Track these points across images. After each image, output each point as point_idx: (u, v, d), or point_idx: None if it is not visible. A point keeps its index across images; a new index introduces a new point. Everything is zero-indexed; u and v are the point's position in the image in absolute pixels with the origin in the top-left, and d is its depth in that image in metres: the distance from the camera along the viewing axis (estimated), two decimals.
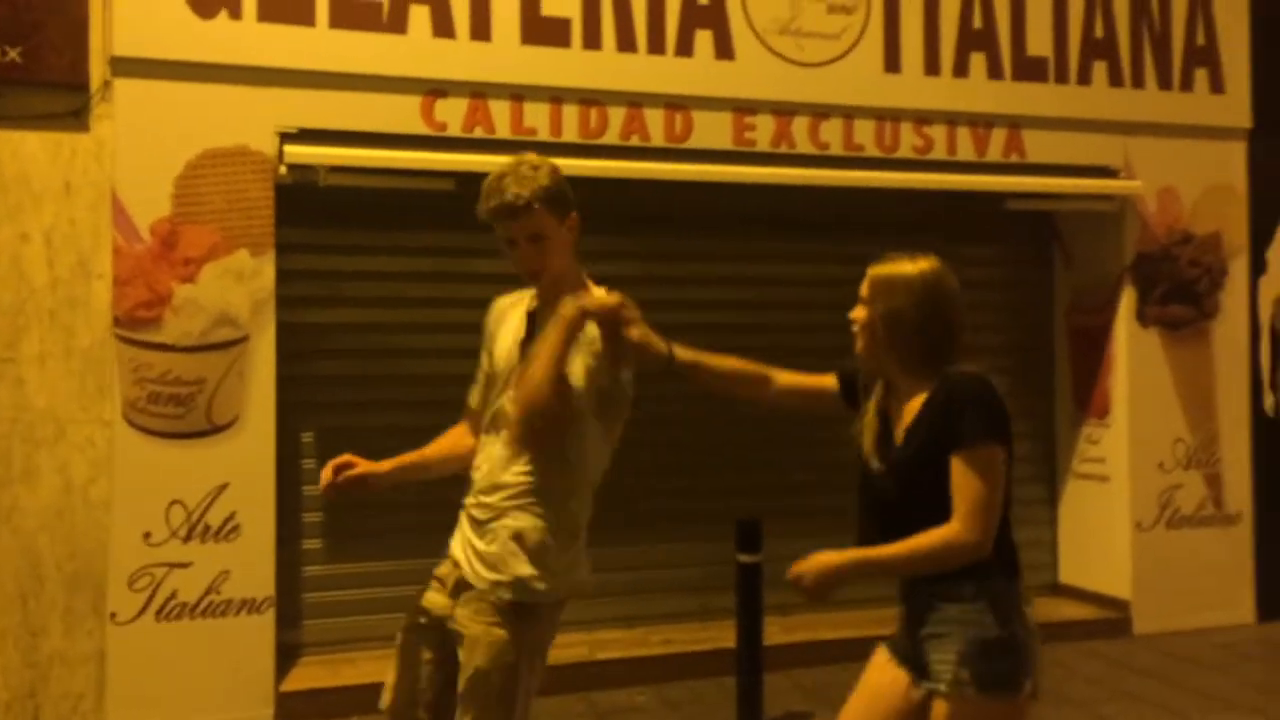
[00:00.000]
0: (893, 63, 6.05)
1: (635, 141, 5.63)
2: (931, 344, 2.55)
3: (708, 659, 5.52)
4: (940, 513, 2.46)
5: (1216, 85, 6.67)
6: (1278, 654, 6.12)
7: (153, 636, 4.83)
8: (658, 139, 5.66)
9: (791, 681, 5.47)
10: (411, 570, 5.53)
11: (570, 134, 5.51)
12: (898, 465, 2.55)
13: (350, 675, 5.25)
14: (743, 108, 5.80)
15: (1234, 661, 5.92)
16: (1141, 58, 6.52)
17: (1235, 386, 6.71)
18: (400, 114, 5.24)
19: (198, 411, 4.93)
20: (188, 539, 4.89)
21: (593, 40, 5.53)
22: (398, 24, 5.23)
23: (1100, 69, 6.44)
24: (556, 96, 5.48)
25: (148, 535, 4.85)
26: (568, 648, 5.65)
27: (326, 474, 2.88)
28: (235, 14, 4.99)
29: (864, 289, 2.68)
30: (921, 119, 6.12)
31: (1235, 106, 6.71)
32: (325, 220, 5.50)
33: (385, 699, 2.78)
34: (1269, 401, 6.80)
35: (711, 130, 5.74)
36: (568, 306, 2.63)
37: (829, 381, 2.89)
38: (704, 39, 5.72)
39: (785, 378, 2.94)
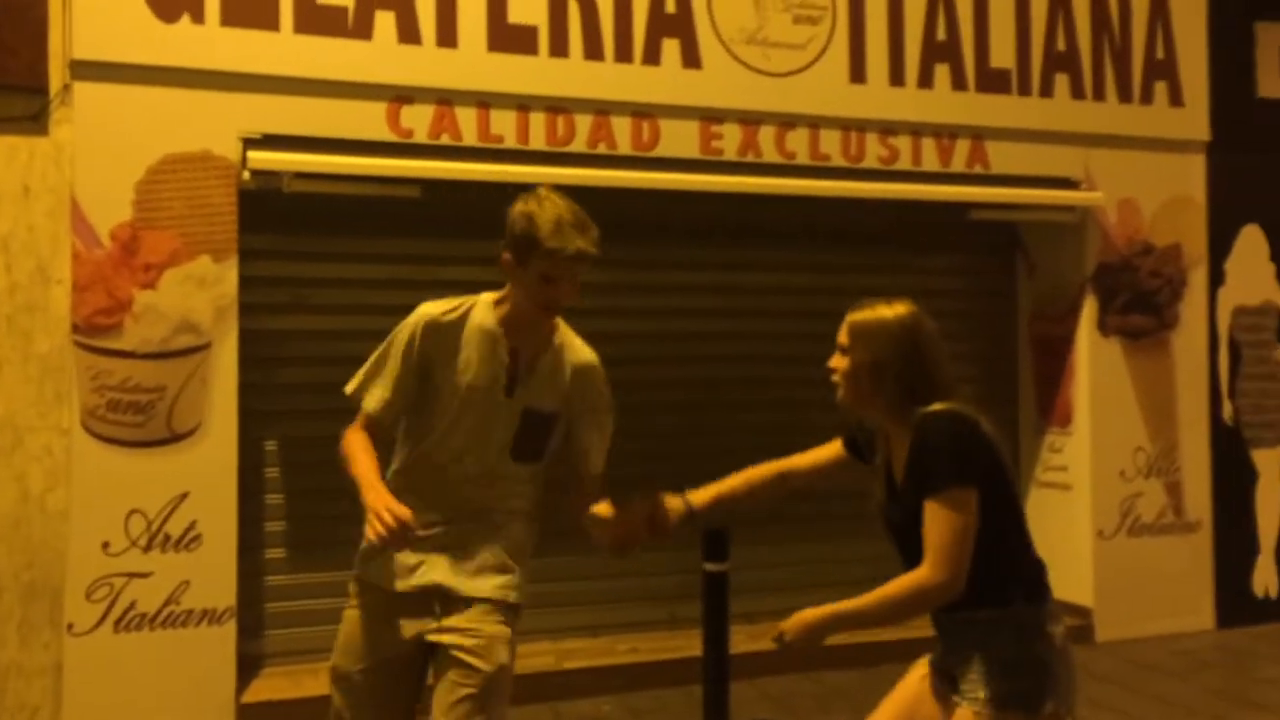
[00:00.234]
0: (858, 73, 6.09)
1: (602, 150, 5.63)
2: (913, 388, 2.57)
3: (674, 667, 5.51)
4: None
5: (1175, 99, 6.77)
6: (1237, 660, 6.20)
7: (111, 647, 4.76)
8: (625, 147, 5.66)
9: (758, 690, 5.47)
10: None
11: (537, 142, 5.51)
12: (904, 510, 2.59)
13: (313, 686, 5.18)
14: (709, 117, 5.81)
15: (1194, 668, 5.99)
16: (1102, 71, 6.61)
17: (1195, 396, 6.80)
18: (366, 120, 5.21)
19: (158, 419, 4.87)
20: (148, 549, 4.82)
21: (560, 48, 5.53)
22: (363, 30, 5.20)
23: (1062, 81, 6.52)
24: (523, 104, 5.48)
25: (106, 545, 4.78)
26: (534, 657, 5.63)
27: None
28: (198, 18, 4.94)
29: (843, 336, 2.69)
30: (887, 129, 6.16)
31: (1194, 120, 6.81)
32: (289, 226, 5.45)
33: None
34: (1228, 411, 6.90)
35: (678, 139, 5.75)
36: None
37: (836, 448, 2.94)
38: (671, 48, 5.73)
39: (799, 463, 3.01)
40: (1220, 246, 6.90)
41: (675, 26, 5.75)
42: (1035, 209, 6.56)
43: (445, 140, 5.35)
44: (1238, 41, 6.94)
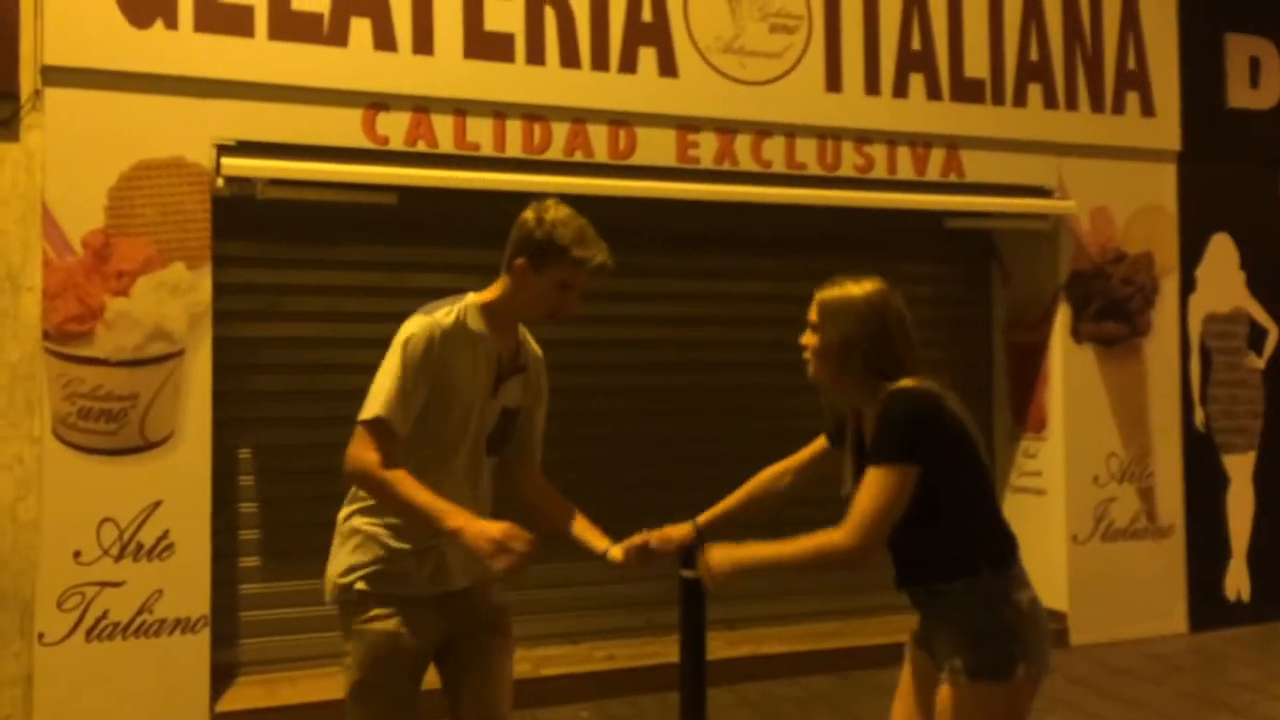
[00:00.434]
0: (834, 82, 6.13)
1: (579, 157, 5.64)
2: (880, 365, 2.61)
3: (652, 674, 5.50)
4: (922, 521, 2.54)
5: (1147, 109, 6.85)
6: (1209, 664, 6.25)
7: (83, 657, 4.71)
8: (601, 155, 5.67)
9: (736, 696, 5.48)
10: None
11: (514, 149, 5.51)
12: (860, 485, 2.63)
13: (289, 695, 5.17)
14: (686, 125, 5.83)
15: (1166, 672, 6.04)
16: (1075, 81, 6.68)
17: (1167, 402, 6.87)
18: (341, 127, 5.19)
19: (131, 427, 4.83)
20: (120, 558, 4.78)
21: (536, 55, 5.54)
22: (338, 36, 5.19)
23: (1035, 91, 6.58)
24: (500, 111, 5.48)
25: (78, 554, 4.73)
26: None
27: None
28: (171, 24, 4.92)
29: (812, 313, 2.72)
30: (862, 138, 6.20)
31: (1165, 129, 6.89)
32: (264, 233, 5.42)
33: None
34: (1199, 417, 6.97)
35: (655, 147, 5.77)
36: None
37: (820, 443, 2.99)
38: (648, 56, 5.75)
39: (792, 464, 3.07)
40: (1191, 254, 6.98)
41: (652, 35, 5.77)
42: (1009, 217, 6.61)
43: (421, 147, 5.34)
44: (1208, 52, 7.03)
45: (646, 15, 5.75)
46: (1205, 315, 7.02)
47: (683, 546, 2.97)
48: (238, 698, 5.12)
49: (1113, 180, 6.75)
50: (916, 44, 6.32)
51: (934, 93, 6.34)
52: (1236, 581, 6.99)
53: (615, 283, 6.08)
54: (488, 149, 5.46)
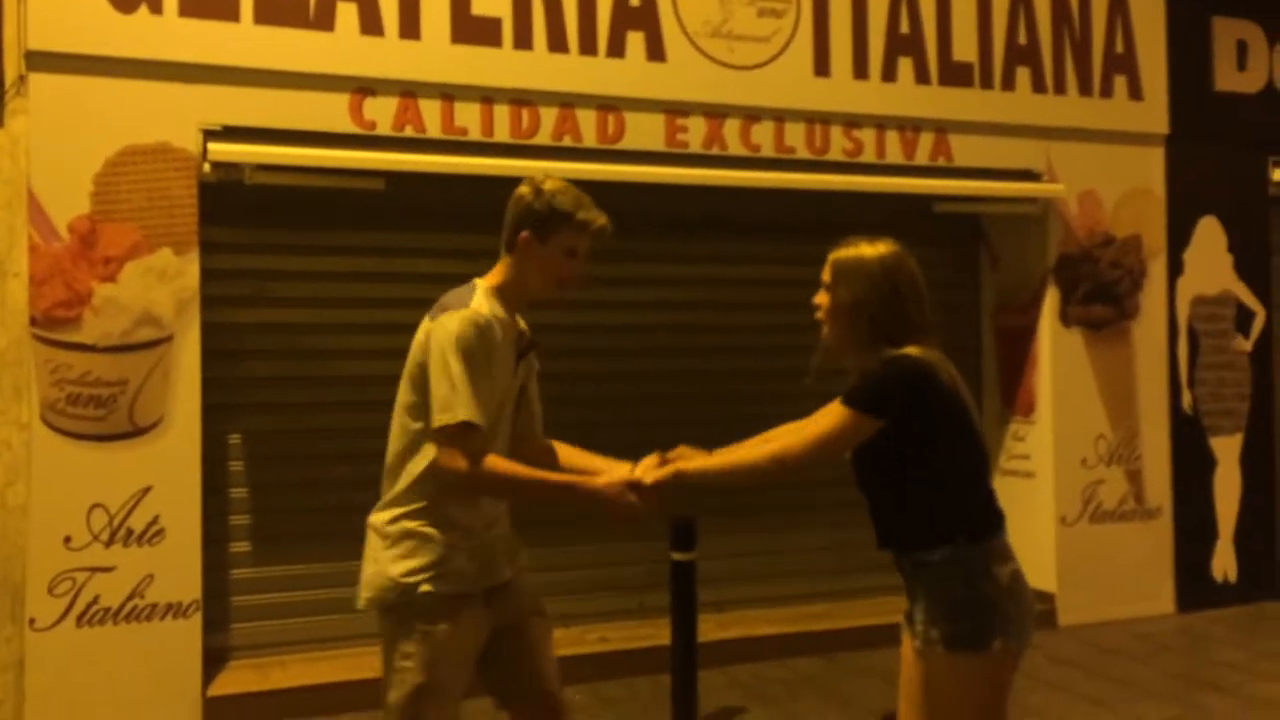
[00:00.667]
0: (822, 66, 6.12)
1: (567, 142, 5.63)
2: (888, 328, 2.62)
3: (644, 656, 5.53)
4: (898, 488, 2.58)
5: (1135, 92, 6.86)
6: (1196, 644, 6.29)
7: (74, 643, 4.72)
8: (590, 140, 5.67)
9: (727, 678, 5.50)
10: (341, 573, 5.45)
11: (502, 134, 5.50)
12: (855, 458, 2.67)
13: (280, 679, 5.18)
14: (674, 109, 5.83)
15: (1154, 651, 6.09)
16: (1063, 64, 6.69)
17: (1154, 385, 6.90)
18: (328, 112, 5.18)
19: (120, 413, 4.82)
20: (110, 543, 4.78)
21: (524, 40, 5.52)
22: (325, 21, 5.17)
23: (1024, 75, 6.59)
24: (487, 96, 5.47)
25: (68, 539, 4.73)
26: None
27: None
28: (156, 8, 4.89)
29: (825, 273, 2.73)
30: (851, 122, 6.20)
31: (1153, 113, 6.90)
32: (252, 219, 5.41)
33: None
34: (1187, 399, 7.00)
35: (644, 131, 5.76)
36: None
37: None
38: (635, 40, 5.74)
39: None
40: (1179, 237, 7.00)
41: (640, 19, 5.76)
42: (998, 201, 6.63)
43: (409, 132, 5.33)
44: (1195, 36, 7.04)
45: (634, 0, 5.74)
46: (1193, 298, 7.05)
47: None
48: (229, 682, 5.13)
49: (1101, 163, 6.76)
50: (905, 28, 6.32)
51: (922, 77, 6.35)
52: (1223, 562, 7.04)
53: (604, 268, 6.14)
54: (475, 134, 5.45)
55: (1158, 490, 6.87)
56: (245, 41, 5.03)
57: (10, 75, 4.76)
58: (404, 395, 2.83)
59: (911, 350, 2.58)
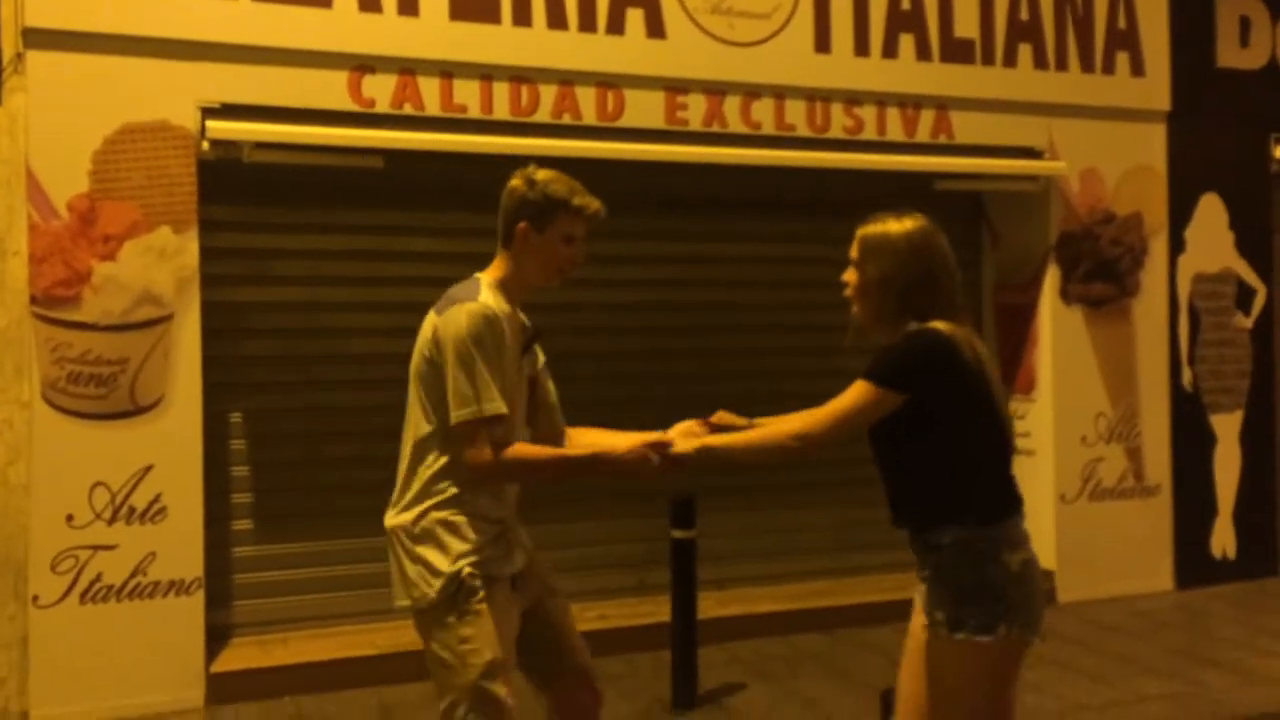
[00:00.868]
0: (823, 43, 6.10)
1: (567, 120, 5.61)
2: (916, 304, 2.60)
3: (644, 633, 5.56)
4: (908, 472, 2.59)
5: (1137, 68, 6.83)
6: (1195, 620, 6.32)
7: (77, 619, 4.74)
8: (590, 117, 5.65)
9: (727, 654, 5.53)
10: (342, 550, 5.52)
11: (501, 112, 5.48)
12: (872, 432, 2.66)
13: (282, 655, 5.21)
14: (674, 87, 5.81)
15: (1153, 628, 6.11)
16: (1065, 41, 6.65)
17: (1155, 362, 6.90)
18: (327, 90, 5.16)
19: (121, 392, 4.83)
20: (112, 521, 4.80)
21: (523, 17, 5.50)
22: None
23: (1025, 51, 6.55)
24: (487, 74, 5.45)
25: (70, 518, 4.75)
26: None
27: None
28: None
29: (853, 251, 2.72)
30: (852, 99, 6.18)
31: (1155, 89, 6.87)
32: (251, 197, 5.40)
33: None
34: (1187, 377, 7.00)
35: (644, 109, 5.74)
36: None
37: None
38: (635, 17, 5.71)
39: None
40: (1180, 215, 6.99)
41: None
42: (999, 179, 6.60)
43: (408, 110, 5.32)
44: (1198, 12, 7.00)
45: None
46: (1194, 275, 7.04)
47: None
48: (233, 658, 5.16)
49: (1102, 141, 6.74)
50: (906, 4, 6.29)
51: (924, 53, 6.32)
52: (1222, 539, 7.06)
53: (604, 246, 6.10)
54: (475, 111, 5.43)
55: (1157, 467, 6.88)
56: (243, 18, 5.00)
57: (8, 53, 4.75)
58: (414, 392, 2.85)
59: (938, 325, 2.56)
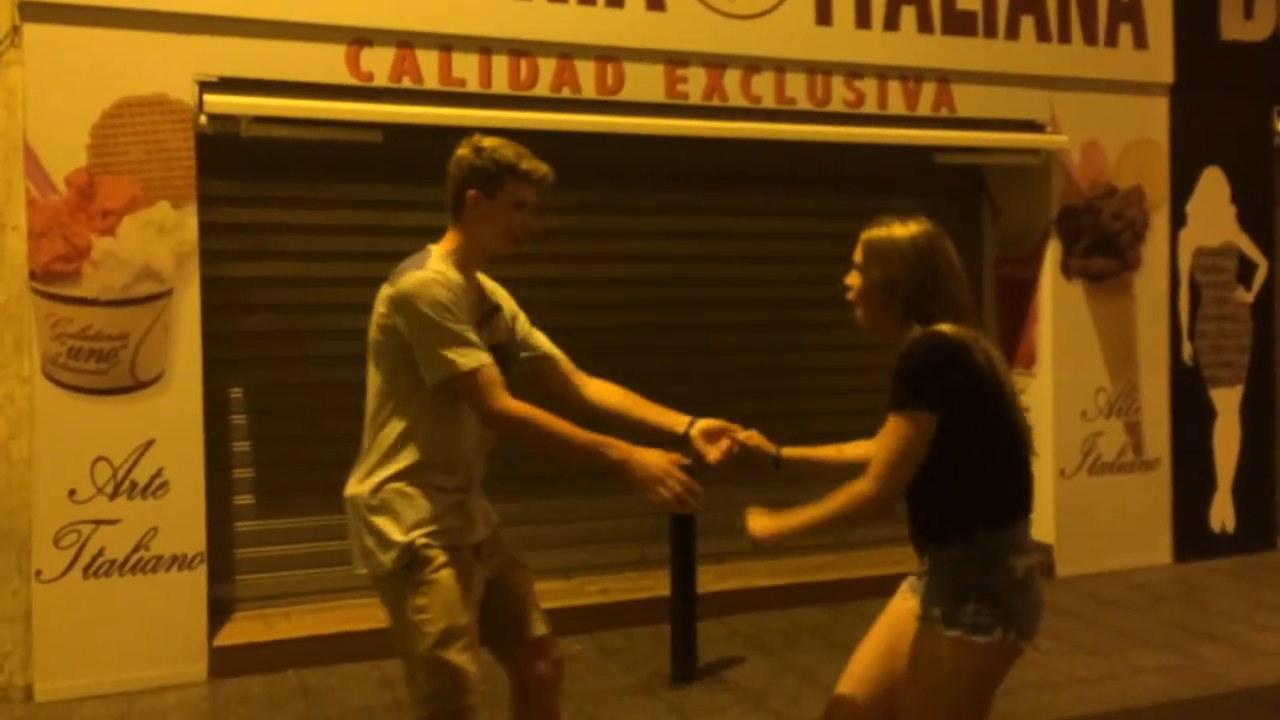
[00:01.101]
0: (824, 15, 6.05)
1: (566, 93, 5.58)
2: (922, 308, 2.59)
3: (644, 607, 5.59)
4: (936, 464, 2.53)
5: (1140, 41, 6.79)
6: (1192, 594, 6.35)
7: (80, 594, 4.77)
8: (589, 91, 5.62)
9: (726, 628, 5.56)
10: (343, 525, 5.45)
11: (500, 85, 5.45)
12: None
13: (285, 629, 5.25)
14: (674, 60, 5.77)
15: (1150, 601, 6.14)
16: (1068, 13, 6.60)
17: (1155, 337, 6.90)
18: (325, 63, 5.13)
19: (121, 367, 4.83)
20: (114, 496, 4.81)
21: None
22: None
23: (1028, 24, 6.51)
24: (485, 47, 5.41)
25: (73, 492, 4.76)
26: None
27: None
28: None
29: (857, 254, 2.70)
30: (853, 73, 6.14)
31: (1158, 62, 6.83)
32: (250, 172, 5.38)
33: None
34: (1187, 351, 7.00)
35: (643, 83, 5.71)
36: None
37: None
38: None
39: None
40: (1182, 188, 6.96)
41: None
42: (1000, 152, 6.58)
43: (406, 84, 5.29)
44: None
45: None
46: (1195, 249, 7.02)
47: (758, 457, 3.01)
48: (235, 632, 5.19)
49: (1104, 114, 6.71)
50: None
51: (925, 25, 6.27)
52: (1221, 513, 7.08)
53: (603, 220, 6.16)
54: (474, 85, 5.40)
55: (1157, 442, 6.89)
56: None
57: (4, 26, 4.71)
58: (371, 365, 2.89)
59: (944, 328, 2.54)
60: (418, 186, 5.65)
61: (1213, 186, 7.04)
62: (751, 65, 5.92)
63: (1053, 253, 6.64)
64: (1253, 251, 7.17)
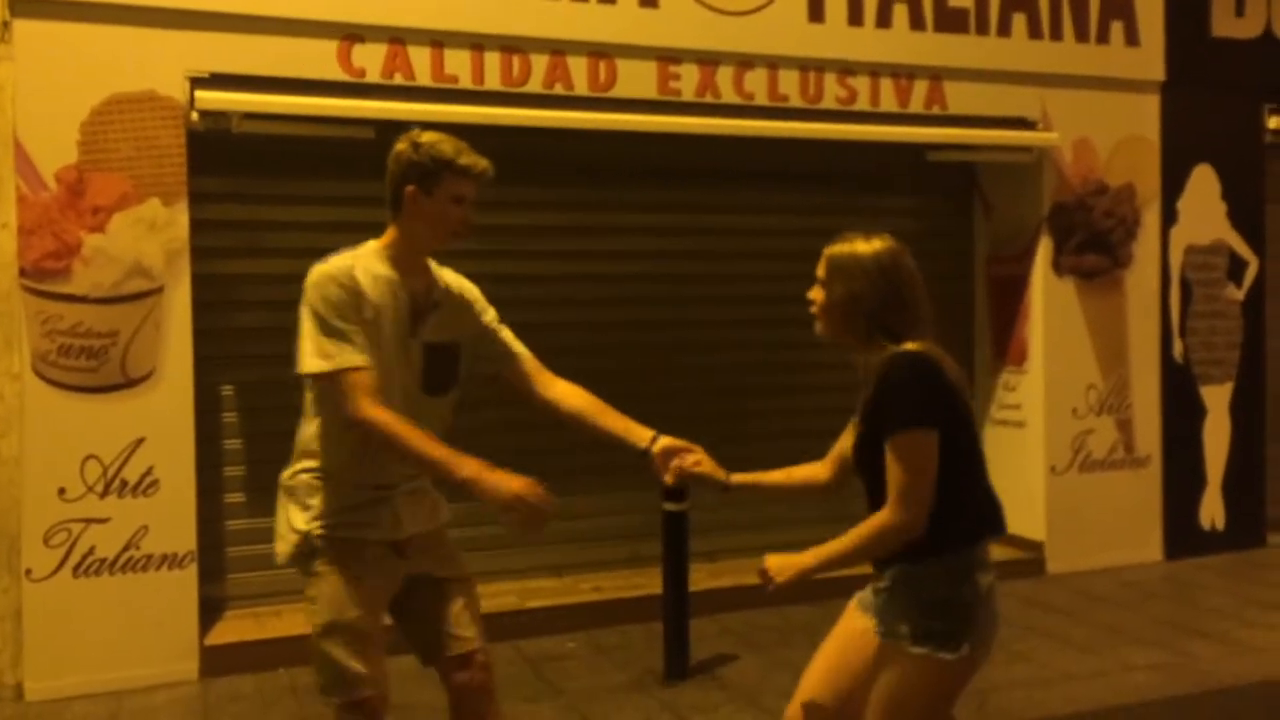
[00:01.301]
0: (816, 13, 6.05)
1: (559, 90, 5.57)
2: (885, 324, 2.59)
3: (636, 605, 5.59)
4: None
5: (1131, 38, 6.80)
6: (1183, 590, 6.37)
7: (71, 593, 4.75)
8: (581, 88, 5.60)
9: (718, 625, 5.56)
10: None
11: (492, 82, 5.44)
12: (858, 441, 2.65)
13: (277, 628, 5.23)
14: (667, 57, 5.76)
15: (1141, 599, 6.16)
16: (1059, 10, 6.61)
17: (1146, 334, 6.91)
18: (316, 59, 5.11)
19: (112, 364, 4.81)
20: (105, 494, 4.79)
21: None
22: None
23: (1019, 21, 6.52)
24: (477, 43, 5.40)
25: (63, 491, 4.74)
26: (497, 596, 5.69)
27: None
28: None
29: (820, 270, 2.70)
30: (845, 70, 6.14)
31: (1149, 59, 6.84)
32: (241, 169, 5.36)
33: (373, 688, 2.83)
34: (1178, 348, 7.02)
35: (636, 79, 5.70)
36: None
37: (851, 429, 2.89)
38: None
39: (829, 462, 2.97)
40: (1173, 186, 6.98)
41: None
42: (992, 149, 6.59)
43: (399, 80, 5.27)
44: None
45: None
46: (1186, 247, 7.04)
47: (709, 483, 3.03)
48: (227, 631, 5.18)
49: (1096, 111, 6.72)
50: None
51: (917, 23, 6.27)
52: (1211, 510, 7.10)
53: (594, 217, 6.15)
54: (466, 82, 5.38)
55: (1147, 439, 6.91)
56: None
57: None
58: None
59: (912, 346, 2.55)
60: None
61: (1204, 184, 7.06)
62: (744, 62, 5.91)
63: (1044, 250, 6.66)
64: (1243, 249, 7.19)
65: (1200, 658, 5.19)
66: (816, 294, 2.71)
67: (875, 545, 2.54)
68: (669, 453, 3.03)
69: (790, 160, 6.31)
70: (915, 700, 2.54)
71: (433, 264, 3.01)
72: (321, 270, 2.79)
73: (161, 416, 4.89)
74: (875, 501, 2.64)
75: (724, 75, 5.88)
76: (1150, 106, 6.88)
